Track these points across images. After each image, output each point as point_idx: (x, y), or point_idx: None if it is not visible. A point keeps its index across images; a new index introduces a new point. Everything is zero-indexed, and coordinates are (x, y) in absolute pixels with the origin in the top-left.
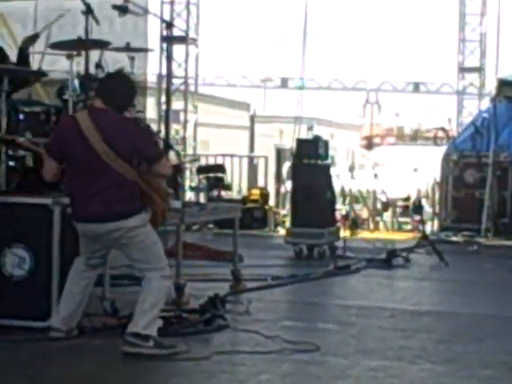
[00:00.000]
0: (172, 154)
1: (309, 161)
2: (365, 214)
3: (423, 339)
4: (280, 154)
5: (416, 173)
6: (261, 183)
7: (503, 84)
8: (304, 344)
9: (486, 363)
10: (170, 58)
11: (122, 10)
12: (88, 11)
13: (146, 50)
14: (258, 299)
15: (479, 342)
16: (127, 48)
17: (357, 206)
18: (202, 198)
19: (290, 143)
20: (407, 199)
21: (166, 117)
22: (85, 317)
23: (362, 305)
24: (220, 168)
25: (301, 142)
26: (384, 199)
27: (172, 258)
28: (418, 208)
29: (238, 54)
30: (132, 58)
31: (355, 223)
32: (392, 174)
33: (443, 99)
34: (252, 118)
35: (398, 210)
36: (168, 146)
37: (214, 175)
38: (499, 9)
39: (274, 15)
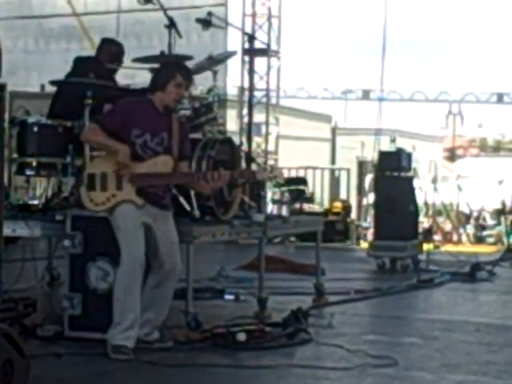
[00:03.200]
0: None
1: (391, 173)
2: (448, 226)
3: (509, 354)
4: (362, 166)
5: (501, 185)
6: (343, 196)
7: None
8: (387, 358)
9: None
10: (251, 71)
11: (205, 23)
12: (171, 25)
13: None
14: (341, 313)
15: None
16: (210, 60)
17: (440, 219)
18: (285, 211)
19: (371, 155)
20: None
21: (249, 130)
22: (168, 330)
23: (446, 319)
24: (302, 181)
25: (383, 154)
26: (468, 211)
27: (255, 271)
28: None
29: (319, 66)
30: (215, 72)
31: (430, 233)
32: (476, 185)
33: None
34: (333, 130)
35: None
36: (250, 159)
37: (295, 188)
38: None
39: (355, 26)
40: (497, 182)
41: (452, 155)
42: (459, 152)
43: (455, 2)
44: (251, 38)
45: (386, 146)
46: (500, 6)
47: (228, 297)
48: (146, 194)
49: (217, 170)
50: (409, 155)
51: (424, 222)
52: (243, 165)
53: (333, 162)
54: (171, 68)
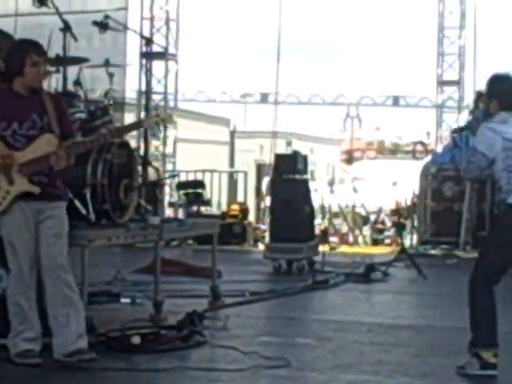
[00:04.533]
0: (151, 170)
1: (287, 176)
2: (345, 228)
3: (400, 353)
4: (260, 169)
5: (395, 187)
6: (241, 198)
7: (482, 97)
8: (280, 359)
9: (462, 377)
10: (147, 74)
11: (102, 26)
12: (66, 28)
13: (123, 66)
14: (236, 315)
15: (457, 355)
16: (106, 64)
17: (337, 221)
18: (181, 214)
19: (269, 158)
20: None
21: (145, 133)
22: None
23: (340, 319)
24: (199, 184)
25: (279, 157)
26: (363, 213)
27: (151, 274)
28: (400, 226)
29: (218, 70)
30: (111, 75)
31: (325, 235)
32: (372, 187)
33: (423, 113)
34: (232, 134)
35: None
36: (146, 162)
37: (193, 191)
38: (475, 21)
39: (253, 29)
40: (391, 184)
41: (350, 158)
42: (357, 154)
43: (351, 7)
44: (148, 41)
45: (284, 148)
46: (395, 11)
47: (124, 300)
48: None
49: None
50: (305, 158)
51: (321, 224)
52: (139, 168)
53: (231, 165)
54: (21, 50)
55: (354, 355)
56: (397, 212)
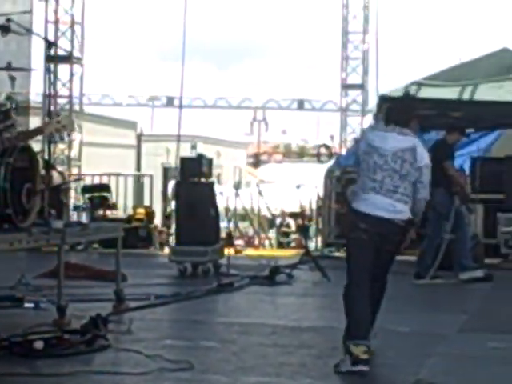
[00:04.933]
0: (55, 174)
1: (192, 179)
2: (251, 231)
3: (303, 355)
4: (167, 172)
5: (299, 189)
6: (148, 202)
7: (384, 100)
8: (184, 362)
9: (363, 376)
10: (51, 77)
11: (4, 29)
12: None
13: (26, 70)
14: (141, 318)
15: None
16: (8, 68)
17: (243, 224)
18: (85, 218)
19: (176, 162)
20: (294, 215)
21: (49, 137)
22: None
23: (244, 322)
24: (105, 187)
25: (184, 161)
26: (269, 216)
27: (56, 278)
28: (304, 228)
29: (124, 73)
30: (12, 78)
31: (230, 238)
32: (277, 190)
33: (328, 116)
34: (139, 137)
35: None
36: (50, 166)
37: (98, 194)
38: (377, 26)
39: (158, 33)
40: (295, 187)
41: (256, 161)
42: (264, 158)
43: (257, 12)
44: (51, 44)
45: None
46: (300, 15)
47: (28, 305)
48: None
49: None
50: (210, 161)
51: (227, 227)
52: (42, 172)
53: (138, 168)
54: None
55: (257, 357)
56: (300, 215)
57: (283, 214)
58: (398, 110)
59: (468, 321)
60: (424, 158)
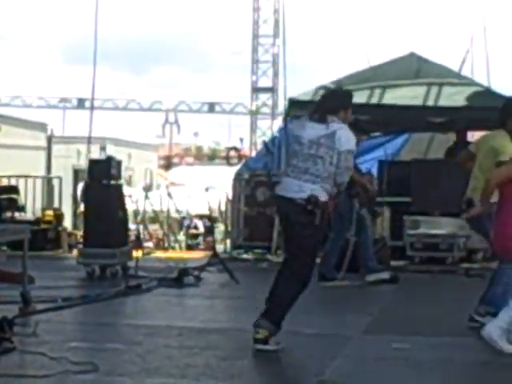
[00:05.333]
0: None
1: (101, 181)
2: (160, 233)
3: (209, 356)
4: (77, 174)
5: (208, 192)
6: (57, 204)
7: (293, 104)
8: (89, 364)
9: (268, 378)
10: None
11: None
12: None
13: None
14: (47, 321)
15: (265, 357)
16: None
17: (153, 226)
18: None
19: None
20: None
21: None
22: None
23: (151, 324)
24: (13, 189)
25: (93, 163)
26: (179, 218)
27: None
28: (212, 231)
29: (34, 75)
30: None
31: (139, 240)
32: (187, 193)
33: (239, 119)
34: (49, 139)
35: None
36: None
37: (6, 196)
38: (285, 30)
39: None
40: (204, 190)
41: (168, 163)
42: (175, 160)
43: (169, 14)
44: None
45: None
46: (210, 17)
47: None
48: None
49: None
50: (118, 163)
51: (136, 230)
52: None
53: (49, 170)
54: None
55: (163, 359)
56: (208, 217)
57: (192, 217)
58: (329, 99)
59: (373, 322)
60: (344, 143)
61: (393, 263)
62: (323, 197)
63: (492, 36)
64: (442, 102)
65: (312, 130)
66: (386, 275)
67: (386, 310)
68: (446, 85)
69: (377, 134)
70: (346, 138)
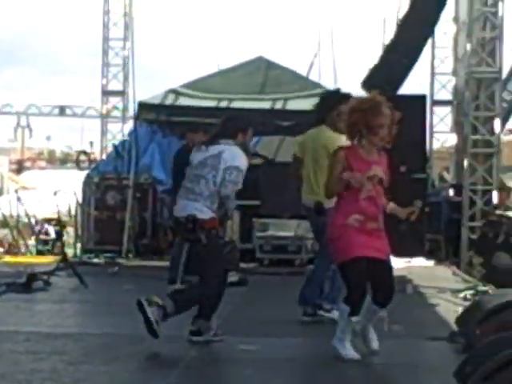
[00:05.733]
0: None
1: None
2: (10, 238)
3: (55, 361)
4: None
5: (57, 196)
6: None
7: (142, 107)
8: None
9: (115, 382)
10: None
11: None
12: None
13: None
14: None
15: (112, 361)
16: None
17: (4, 231)
18: None
19: None
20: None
21: None
22: None
23: None
24: None
25: None
26: (29, 223)
27: None
28: (61, 235)
29: None
30: None
31: None
32: (37, 197)
33: (91, 123)
34: None
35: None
36: None
37: None
38: (133, 35)
39: None
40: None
41: (20, 167)
42: (27, 164)
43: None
44: None
45: None
46: (58, 21)
47: None
48: None
49: None
50: None
51: None
52: None
53: None
54: None
55: (9, 365)
56: (57, 221)
57: (42, 221)
58: (226, 125)
59: (222, 324)
60: (228, 160)
61: (242, 266)
62: (205, 215)
63: (339, 39)
64: (290, 106)
65: (201, 154)
66: (234, 277)
67: (235, 312)
68: (291, 99)
69: None
70: (230, 156)
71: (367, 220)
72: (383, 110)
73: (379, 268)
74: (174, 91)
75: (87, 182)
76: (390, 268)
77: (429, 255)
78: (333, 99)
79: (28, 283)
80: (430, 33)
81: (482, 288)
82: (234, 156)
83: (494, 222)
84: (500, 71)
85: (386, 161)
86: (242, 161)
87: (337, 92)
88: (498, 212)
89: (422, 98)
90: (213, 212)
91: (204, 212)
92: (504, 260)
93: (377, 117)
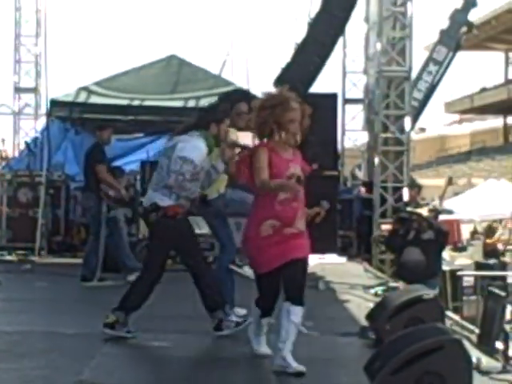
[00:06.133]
0: None
1: None
2: None
3: None
4: None
5: None
6: None
7: (55, 104)
8: None
9: (27, 379)
10: None
11: None
12: None
13: None
14: None
15: (23, 358)
16: None
17: None
18: None
19: None
20: None
21: None
22: None
23: None
24: None
25: None
26: None
27: None
28: None
29: None
30: None
31: None
32: None
33: (3, 120)
34: None
35: None
36: None
37: None
38: (45, 30)
39: None
40: None
41: None
42: None
43: None
44: None
45: None
46: None
47: None
48: None
49: None
50: None
51: None
52: None
53: None
54: None
55: None
56: None
57: None
58: (201, 116)
59: (135, 321)
60: (178, 151)
61: None
62: (164, 202)
63: (252, 38)
64: (202, 104)
65: (166, 144)
66: None
67: (148, 308)
68: (204, 97)
69: (140, 134)
70: (181, 146)
71: (284, 226)
72: (292, 104)
73: (293, 267)
74: (86, 89)
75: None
76: (303, 268)
77: (341, 252)
78: (231, 99)
79: None
80: (341, 32)
81: (392, 284)
82: (186, 147)
83: (404, 218)
84: (409, 70)
85: (300, 158)
86: (194, 152)
87: (236, 91)
88: (408, 209)
89: (334, 96)
90: (170, 200)
91: (162, 200)
92: (414, 256)
93: (286, 112)
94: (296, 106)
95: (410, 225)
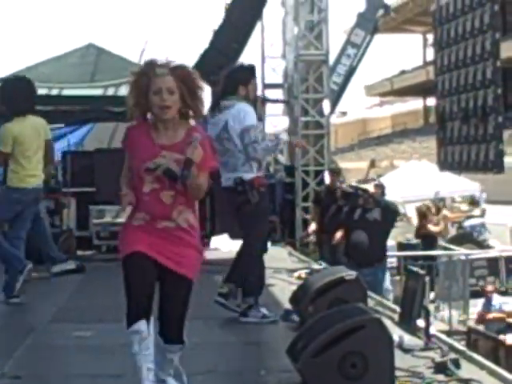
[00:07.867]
0: None
1: None
2: None
3: None
4: None
5: None
6: None
7: None
8: None
9: None
10: None
11: None
12: None
13: None
14: None
15: None
16: None
17: None
18: None
19: None
20: None
21: None
22: None
23: None
24: None
25: None
26: None
27: None
28: None
29: None
30: None
31: None
32: None
33: None
34: None
35: None
36: None
37: None
38: None
39: None
40: None
41: None
42: None
43: None
44: None
45: None
46: None
47: None
48: None
49: None
50: None
51: None
52: None
53: None
54: None
55: None
56: None
57: None
58: (225, 81)
59: (57, 312)
60: (236, 124)
61: (80, 253)
62: (248, 175)
63: (170, 25)
64: (122, 92)
65: (212, 128)
66: (71, 265)
67: (71, 299)
68: (123, 85)
69: (60, 125)
70: (236, 119)
71: (155, 218)
72: (157, 71)
73: (167, 283)
74: (2, 80)
75: None
76: (181, 287)
77: None
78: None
79: None
80: (258, 16)
81: (316, 267)
82: (240, 116)
83: (349, 193)
84: (327, 54)
85: (200, 141)
86: (249, 116)
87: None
88: (354, 184)
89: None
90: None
91: (248, 173)
92: (361, 238)
93: (150, 81)
94: (161, 72)
95: (355, 201)
